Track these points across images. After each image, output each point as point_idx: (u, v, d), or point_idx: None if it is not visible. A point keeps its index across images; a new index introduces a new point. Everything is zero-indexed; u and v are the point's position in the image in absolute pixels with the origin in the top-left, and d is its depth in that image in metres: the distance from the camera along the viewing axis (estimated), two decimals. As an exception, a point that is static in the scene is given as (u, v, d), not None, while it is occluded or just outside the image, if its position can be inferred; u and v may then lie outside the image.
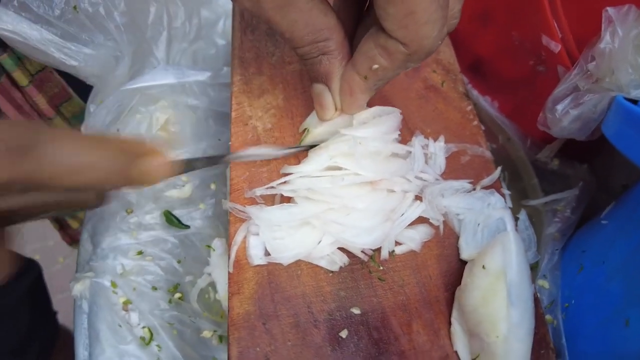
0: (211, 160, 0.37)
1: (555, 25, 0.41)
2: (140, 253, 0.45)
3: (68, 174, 0.25)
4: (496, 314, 0.31)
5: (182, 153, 0.49)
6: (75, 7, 0.44)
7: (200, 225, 0.50)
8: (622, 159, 0.54)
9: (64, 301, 0.53)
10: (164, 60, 0.51)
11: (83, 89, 0.57)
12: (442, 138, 0.44)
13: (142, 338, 0.44)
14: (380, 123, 0.39)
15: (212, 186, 0.53)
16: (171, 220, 0.48)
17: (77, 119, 0.70)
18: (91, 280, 0.43)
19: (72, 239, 0.80)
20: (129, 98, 0.47)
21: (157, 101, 0.50)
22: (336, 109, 0.37)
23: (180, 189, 0.50)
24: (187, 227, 0.48)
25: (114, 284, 0.43)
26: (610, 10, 0.35)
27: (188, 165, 0.34)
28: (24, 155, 0.23)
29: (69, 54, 0.44)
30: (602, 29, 0.36)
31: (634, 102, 0.35)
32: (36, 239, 1.35)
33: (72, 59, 0.44)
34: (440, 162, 0.43)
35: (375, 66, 0.32)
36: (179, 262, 0.47)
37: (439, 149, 0.44)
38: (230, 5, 0.59)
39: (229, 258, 0.36)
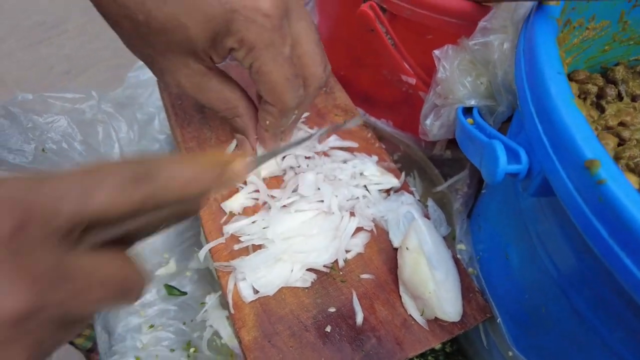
0: (286, 147, 0.47)
1: (407, 66, 0.56)
2: (151, 326, 0.54)
3: (180, 188, 0.28)
4: (424, 278, 0.44)
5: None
6: (43, 149, 0.53)
7: (191, 289, 0.59)
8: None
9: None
10: (121, 167, 0.61)
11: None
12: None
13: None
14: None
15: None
16: (171, 291, 0.57)
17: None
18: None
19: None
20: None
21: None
22: (253, 150, 0.52)
23: (166, 266, 0.59)
24: (185, 293, 0.58)
25: (138, 358, 0.52)
26: (436, 51, 0.50)
27: (261, 160, 0.37)
28: (143, 182, 0.26)
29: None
30: (436, 64, 0.51)
31: (471, 108, 0.50)
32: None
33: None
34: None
35: (267, 122, 0.48)
36: (184, 324, 0.56)
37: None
38: (159, 103, 0.70)
39: (227, 304, 0.47)
